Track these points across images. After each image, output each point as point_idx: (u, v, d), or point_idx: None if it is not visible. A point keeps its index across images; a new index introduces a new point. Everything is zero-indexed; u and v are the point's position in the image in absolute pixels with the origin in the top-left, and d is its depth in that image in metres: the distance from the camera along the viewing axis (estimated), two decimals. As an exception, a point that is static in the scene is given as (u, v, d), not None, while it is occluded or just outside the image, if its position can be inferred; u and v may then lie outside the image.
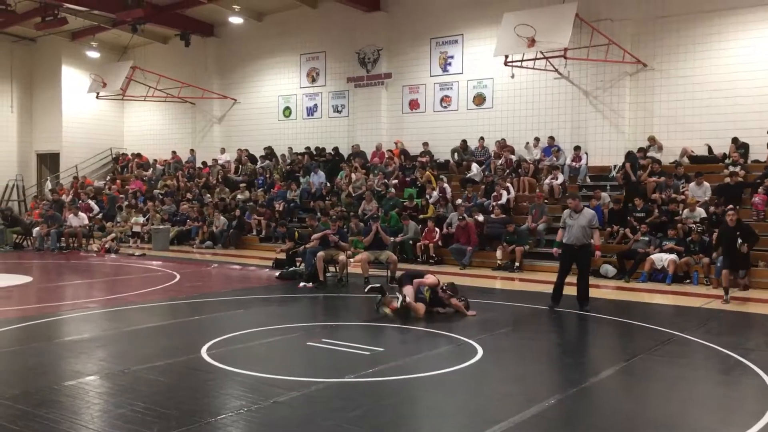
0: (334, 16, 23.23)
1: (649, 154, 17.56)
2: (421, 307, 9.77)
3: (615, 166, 17.92)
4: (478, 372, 7.05)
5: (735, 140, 16.72)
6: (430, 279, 10.22)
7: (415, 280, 10.06)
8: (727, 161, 16.55)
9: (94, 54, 27.56)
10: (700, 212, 14.86)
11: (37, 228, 20.65)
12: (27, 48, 29.10)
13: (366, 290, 10.30)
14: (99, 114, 28.78)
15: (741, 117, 16.87)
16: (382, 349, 7.83)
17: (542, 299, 11.73)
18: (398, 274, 13.28)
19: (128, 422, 5.26)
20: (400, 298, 9.66)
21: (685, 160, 17.34)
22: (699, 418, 5.67)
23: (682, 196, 15.78)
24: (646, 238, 14.75)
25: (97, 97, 25.83)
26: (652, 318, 10.16)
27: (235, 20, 24.38)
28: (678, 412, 5.79)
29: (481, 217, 17.04)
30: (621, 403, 6.14)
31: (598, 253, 11.16)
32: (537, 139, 19.53)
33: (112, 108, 29.00)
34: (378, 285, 10.30)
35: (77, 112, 28.36)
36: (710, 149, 17.27)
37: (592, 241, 10.75)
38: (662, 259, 14.01)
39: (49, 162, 29.36)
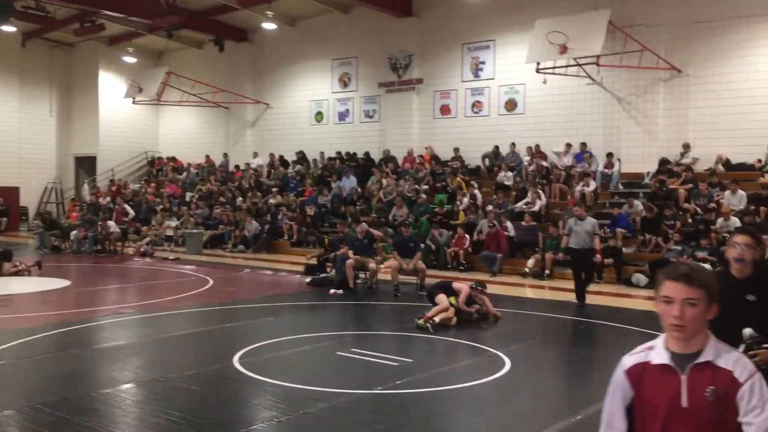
0: (366, 22, 23.38)
1: (682, 161, 17.39)
2: (451, 312, 9.84)
3: (648, 173, 17.76)
4: (506, 385, 7.09)
5: (772, 147, 16.47)
6: (464, 291, 10.23)
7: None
8: (763, 169, 16.32)
9: (130, 59, 28.13)
10: (735, 221, 14.64)
11: (75, 231, 21.13)
12: (65, 53, 29.81)
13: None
14: (134, 118, 29.35)
15: (777, 124, 16.62)
16: (411, 360, 7.90)
17: (571, 309, 11.71)
18: (427, 282, 13.43)
19: (164, 431, 5.42)
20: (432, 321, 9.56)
21: (720, 167, 17.12)
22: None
23: (712, 204, 15.58)
24: (679, 248, 14.60)
25: (133, 102, 26.34)
26: (683, 330, 10.07)
27: (269, 26, 24.68)
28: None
29: (509, 226, 16.86)
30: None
31: (599, 257, 12.32)
32: (569, 145, 19.42)
33: (147, 112, 29.55)
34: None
35: (114, 116, 28.98)
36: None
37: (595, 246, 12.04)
38: (695, 268, 13.83)
39: (86, 165, 30.02)
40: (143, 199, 25.22)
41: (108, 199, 25.34)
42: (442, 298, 9.98)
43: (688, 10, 17.85)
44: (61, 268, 17.08)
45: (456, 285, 10.43)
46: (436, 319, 9.60)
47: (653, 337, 8.53)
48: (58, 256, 20.00)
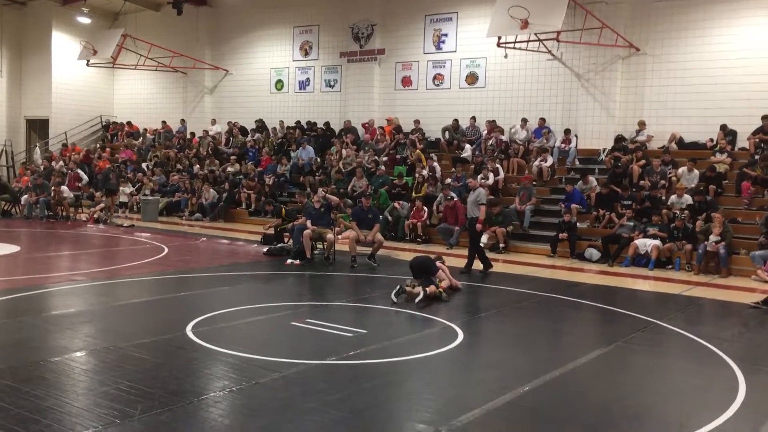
0: (328, -10, 23.05)
1: (637, 138, 17.70)
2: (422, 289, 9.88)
3: (604, 149, 18.04)
4: (458, 357, 7.21)
5: (723, 127, 16.85)
6: (443, 280, 10.30)
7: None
8: (714, 148, 16.70)
9: (85, 20, 27.27)
10: (687, 199, 15.02)
11: (26, 196, 20.62)
12: (17, 12, 28.76)
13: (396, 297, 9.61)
14: (89, 81, 28.59)
15: (730, 104, 16.99)
16: (365, 331, 7.96)
17: (525, 282, 11.91)
18: (378, 252, 13.50)
19: (113, 400, 5.37)
20: (421, 294, 9.59)
21: (674, 145, 17.47)
22: (667, 409, 5.83)
23: (663, 182, 15.90)
24: (631, 223, 14.91)
25: (87, 65, 25.62)
26: (632, 304, 10.34)
27: (229, -10, 24.17)
28: (648, 402, 5.96)
29: (454, 197, 16.75)
30: (593, 393, 6.30)
31: (479, 225, 12.63)
32: (525, 120, 19.55)
33: (102, 75, 28.80)
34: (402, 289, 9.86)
35: (67, 78, 28.16)
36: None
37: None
38: (646, 244, 14.19)
39: (38, 128, 29.20)
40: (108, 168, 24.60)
41: (61, 163, 24.73)
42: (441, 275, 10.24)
43: (648, -11, 18.02)
44: (11, 233, 16.68)
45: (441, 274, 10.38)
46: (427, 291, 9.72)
47: (602, 310, 8.72)
48: (8, 221, 19.53)
